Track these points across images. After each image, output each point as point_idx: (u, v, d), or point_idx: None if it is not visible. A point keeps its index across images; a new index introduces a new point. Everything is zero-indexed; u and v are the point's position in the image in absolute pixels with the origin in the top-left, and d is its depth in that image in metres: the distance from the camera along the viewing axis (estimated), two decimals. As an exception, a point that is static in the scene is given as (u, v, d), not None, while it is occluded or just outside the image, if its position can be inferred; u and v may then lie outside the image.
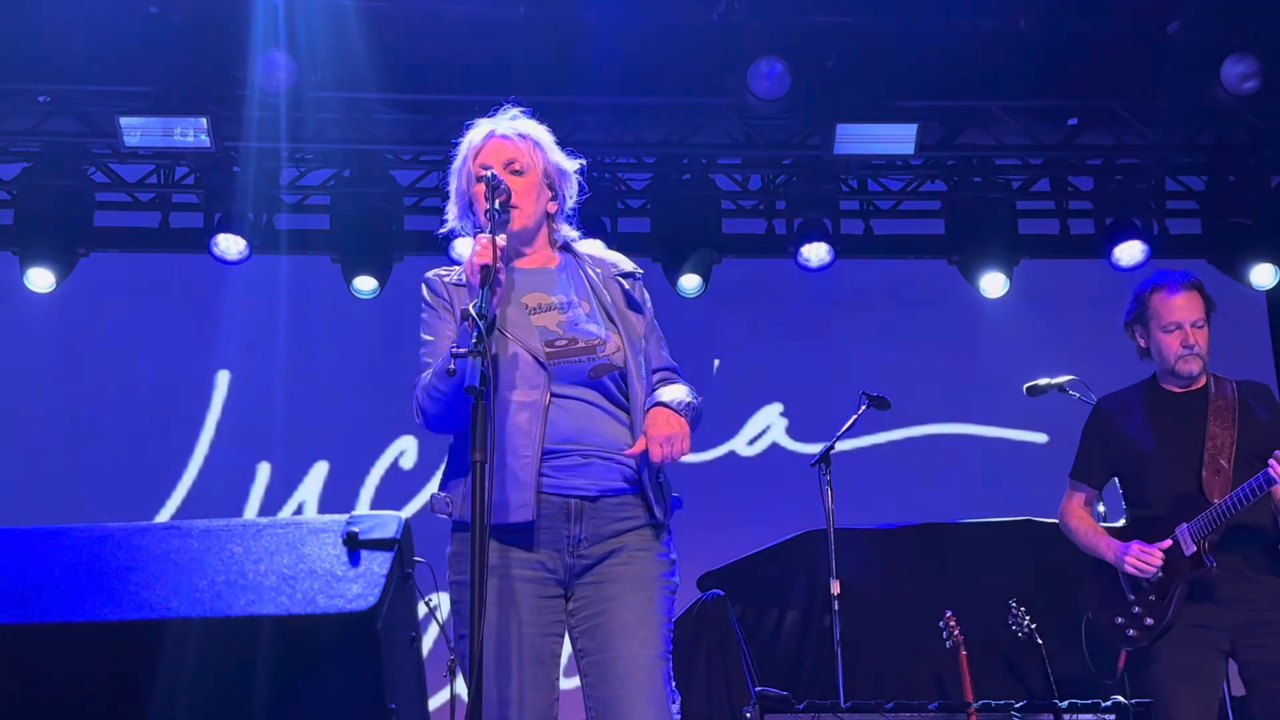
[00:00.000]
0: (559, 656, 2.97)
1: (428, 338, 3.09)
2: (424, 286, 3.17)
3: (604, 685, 2.91)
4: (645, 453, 2.95)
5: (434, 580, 3.12)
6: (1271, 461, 3.86)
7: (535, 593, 2.92)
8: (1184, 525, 4.08)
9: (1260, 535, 4.10)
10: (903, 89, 6.99)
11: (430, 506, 3.00)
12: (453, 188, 3.23)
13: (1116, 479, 4.42)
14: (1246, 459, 4.09)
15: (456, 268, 3.17)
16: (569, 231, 3.25)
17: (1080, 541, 4.41)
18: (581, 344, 3.00)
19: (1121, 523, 4.44)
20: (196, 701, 1.83)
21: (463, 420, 2.92)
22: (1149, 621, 4.15)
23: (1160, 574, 4.11)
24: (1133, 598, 4.21)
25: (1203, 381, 4.29)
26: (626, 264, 3.26)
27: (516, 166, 3.11)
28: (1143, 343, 4.36)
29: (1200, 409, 4.23)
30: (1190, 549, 4.06)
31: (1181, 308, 4.26)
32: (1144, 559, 4.12)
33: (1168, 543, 4.11)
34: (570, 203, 3.24)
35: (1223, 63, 6.67)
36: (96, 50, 6.64)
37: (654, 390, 3.08)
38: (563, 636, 2.98)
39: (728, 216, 7.68)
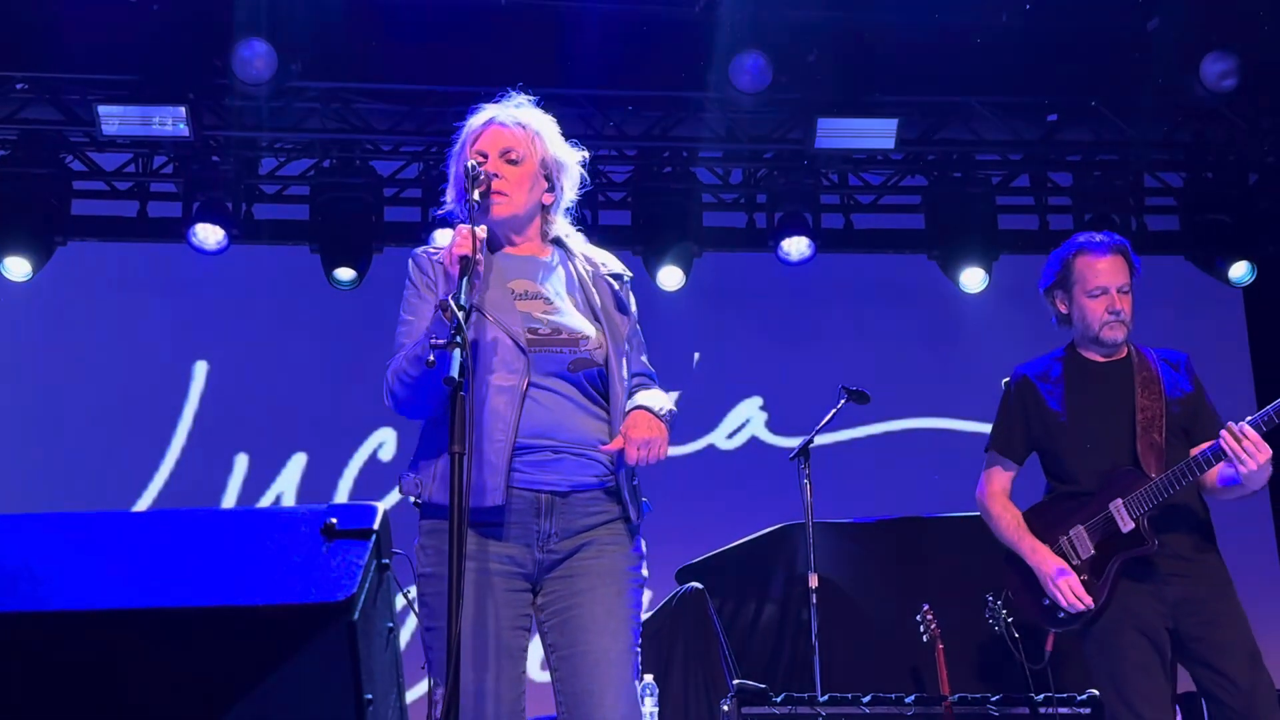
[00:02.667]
0: (526, 650, 2.96)
1: (408, 317, 3.05)
2: (411, 263, 3.12)
3: (574, 679, 2.91)
4: (621, 453, 2.93)
5: (412, 572, 3.11)
6: (1224, 434, 3.78)
7: (504, 586, 2.91)
8: (1119, 500, 3.95)
9: (1191, 511, 4.01)
10: (883, 84, 7.01)
11: (399, 488, 2.98)
12: (450, 172, 3.20)
13: (1037, 453, 4.25)
14: (1175, 432, 4.01)
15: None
16: (564, 226, 3.23)
17: (1003, 535, 4.18)
18: (564, 336, 2.98)
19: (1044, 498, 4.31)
20: (171, 691, 1.83)
21: (432, 406, 2.92)
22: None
23: (1094, 551, 3.98)
24: None
25: (1124, 352, 4.16)
26: (617, 265, 3.25)
27: (513, 155, 3.09)
28: (1064, 309, 4.21)
29: (1126, 379, 4.09)
30: (1129, 525, 3.92)
31: (1106, 271, 4.12)
32: (1075, 595, 3.94)
33: (1089, 599, 3.93)
34: (569, 194, 3.22)
35: (1202, 60, 6.71)
36: (75, 38, 6.60)
37: (632, 394, 3.06)
38: (529, 631, 2.97)
39: (708, 210, 7.69)
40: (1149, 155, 7.65)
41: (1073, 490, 4.11)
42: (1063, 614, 4.04)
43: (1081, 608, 3.95)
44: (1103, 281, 4.12)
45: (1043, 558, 4.06)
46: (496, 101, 3.22)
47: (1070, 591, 3.97)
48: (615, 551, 2.99)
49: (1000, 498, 4.27)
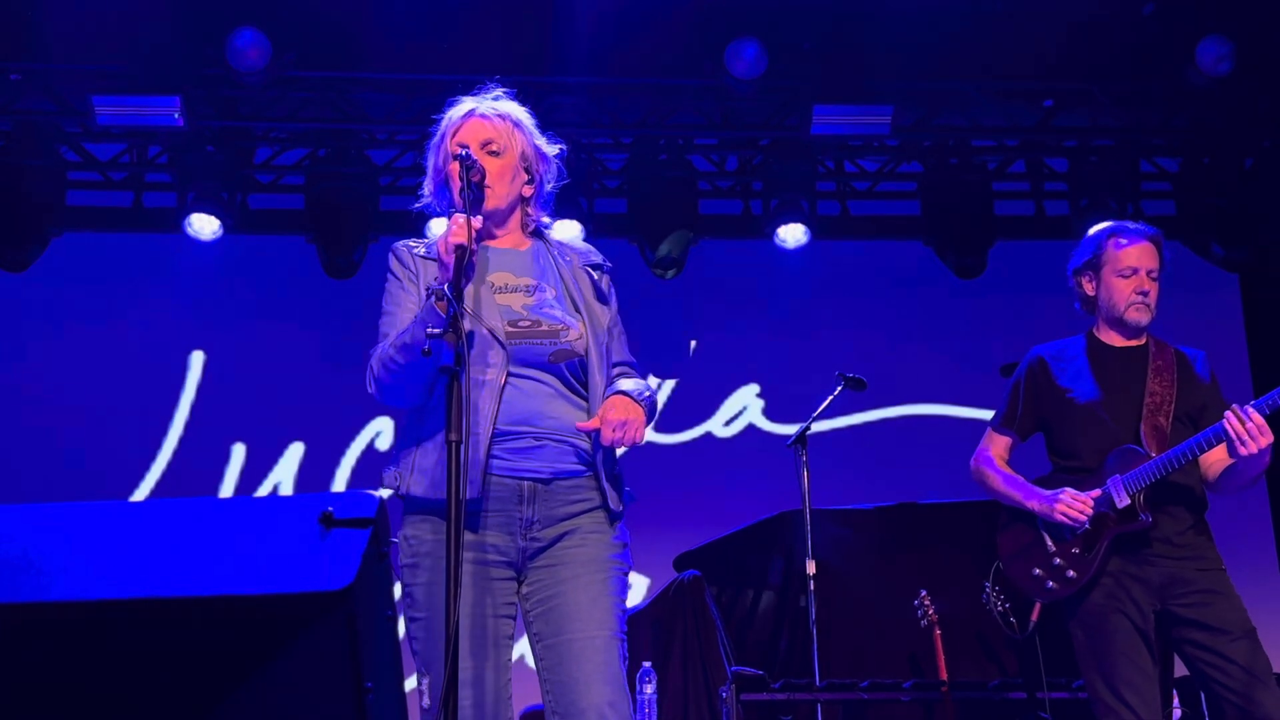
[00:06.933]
0: (511, 638, 2.98)
1: (389, 308, 3.08)
2: (391, 256, 3.16)
3: (560, 667, 2.92)
4: (598, 435, 2.94)
5: (399, 563, 3.11)
6: (1228, 415, 3.79)
7: (487, 575, 2.93)
8: (1117, 476, 3.97)
9: (1189, 497, 4.02)
10: (879, 70, 7.00)
11: (380, 482, 3.00)
12: (429, 165, 3.22)
13: (1042, 432, 4.28)
14: (1182, 419, 4.03)
15: (426, 239, 3.17)
16: (544, 218, 3.24)
17: (998, 488, 4.24)
18: (544, 327, 2.99)
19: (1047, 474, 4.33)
20: (171, 680, 1.83)
21: (415, 394, 2.94)
22: (1071, 574, 4.01)
23: (1087, 525, 3.99)
24: (1054, 549, 4.07)
25: (1144, 340, 4.19)
26: (597, 256, 3.26)
27: (494, 147, 3.10)
28: (1090, 290, 4.23)
29: (1140, 365, 4.12)
30: (1124, 502, 3.93)
31: (1139, 255, 4.15)
32: (1076, 507, 3.98)
33: (1097, 493, 3.99)
34: (548, 188, 3.23)
35: (1198, 44, 6.71)
36: (69, 28, 6.59)
37: (613, 382, 3.08)
38: (514, 619, 2.99)
39: (704, 197, 7.68)
40: (1145, 140, 7.65)
41: (1074, 466, 4.13)
42: (1052, 584, 4.06)
43: (1082, 520, 3.97)
44: (1134, 263, 4.15)
45: (1039, 495, 4.11)
46: (475, 94, 3.21)
47: (1071, 506, 4.00)
48: (598, 539, 3.00)
49: (996, 459, 4.32)
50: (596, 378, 3.03)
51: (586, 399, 3.03)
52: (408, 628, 2.97)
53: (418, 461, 2.94)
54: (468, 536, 2.90)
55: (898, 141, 7.60)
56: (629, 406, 2.94)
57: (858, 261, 8.01)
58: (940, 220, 7.58)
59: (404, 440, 3.03)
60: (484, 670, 2.87)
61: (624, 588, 3.03)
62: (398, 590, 2.31)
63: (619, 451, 3.09)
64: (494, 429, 2.90)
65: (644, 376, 3.20)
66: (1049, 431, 4.27)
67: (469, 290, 2.95)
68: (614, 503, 3.02)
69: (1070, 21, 6.84)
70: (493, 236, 3.14)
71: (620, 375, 3.12)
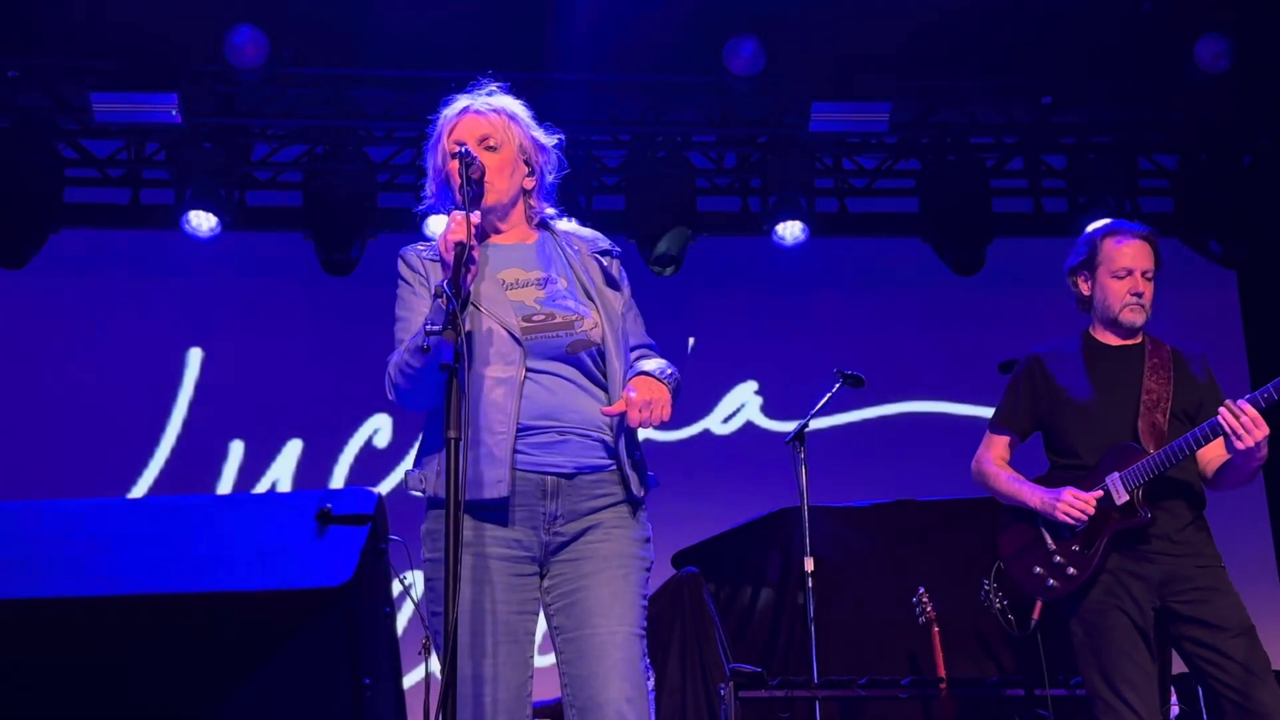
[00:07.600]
0: (533, 634, 2.97)
1: (402, 314, 3.07)
2: (400, 261, 3.15)
3: (580, 662, 2.91)
4: (623, 424, 2.94)
5: (409, 558, 3.11)
6: (1222, 409, 3.79)
7: (510, 570, 2.92)
8: (1116, 474, 3.98)
9: (1187, 494, 4.03)
10: (877, 67, 7.00)
11: (404, 484, 2.99)
12: (429, 166, 3.20)
13: (1041, 431, 4.29)
14: (1179, 416, 4.04)
15: (431, 242, 3.16)
16: (548, 209, 3.24)
17: (1000, 488, 4.24)
18: (559, 319, 2.99)
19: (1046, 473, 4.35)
20: (168, 676, 1.83)
21: (435, 396, 2.92)
22: (1072, 571, 4.02)
23: (1087, 522, 3.99)
24: (1054, 546, 4.08)
25: (1139, 338, 4.20)
26: (604, 242, 3.25)
27: (491, 142, 3.09)
28: (1086, 290, 4.23)
29: (1137, 363, 4.13)
30: (1123, 498, 3.95)
31: (1133, 255, 4.15)
32: (1078, 505, 3.98)
33: (1099, 491, 3.99)
34: (549, 179, 3.22)
35: (1196, 41, 6.71)
36: (66, 25, 6.58)
37: (633, 365, 3.07)
38: (537, 614, 2.98)
39: (703, 194, 7.68)
40: (1143, 137, 7.65)
41: (1072, 464, 4.14)
42: (1053, 582, 4.07)
43: (1084, 519, 3.97)
44: (1128, 263, 4.15)
45: (1042, 494, 4.11)
46: (469, 90, 3.21)
47: (1073, 506, 4.00)
48: (621, 534, 2.99)
49: (997, 458, 4.33)
50: (615, 364, 3.02)
51: (606, 388, 3.02)
52: (429, 622, 2.96)
53: (442, 464, 2.92)
54: (492, 533, 2.90)
55: (896, 139, 7.60)
56: (652, 386, 2.94)
57: (856, 258, 8.01)
58: (938, 217, 7.58)
59: (428, 444, 3.01)
60: (497, 667, 2.86)
61: (646, 583, 3.02)
62: (396, 587, 2.32)
63: (642, 435, 3.07)
64: (517, 425, 2.89)
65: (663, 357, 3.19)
66: (1047, 431, 4.28)
67: (479, 288, 2.95)
68: (636, 488, 3.01)
69: (1068, 19, 6.84)
70: (498, 232, 3.14)
71: (640, 357, 3.11)
